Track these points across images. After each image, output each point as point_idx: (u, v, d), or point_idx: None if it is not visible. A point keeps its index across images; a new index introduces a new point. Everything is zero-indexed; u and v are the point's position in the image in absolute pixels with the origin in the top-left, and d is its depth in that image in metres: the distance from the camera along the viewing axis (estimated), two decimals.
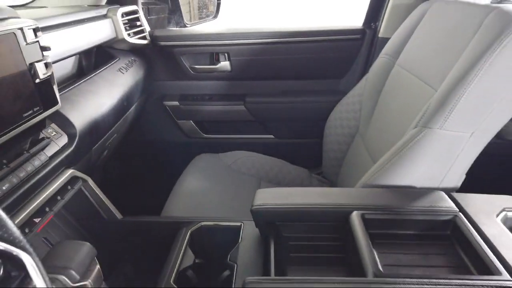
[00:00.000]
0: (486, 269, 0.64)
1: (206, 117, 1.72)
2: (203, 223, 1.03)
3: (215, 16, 1.98)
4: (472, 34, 0.87)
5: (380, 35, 1.51)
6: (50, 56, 0.88)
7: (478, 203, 0.83)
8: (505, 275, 0.62)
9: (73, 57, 1.28)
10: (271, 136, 1.73)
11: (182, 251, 0.93)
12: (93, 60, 1.40)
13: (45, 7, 1.36)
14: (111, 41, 1.39)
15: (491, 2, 0.96)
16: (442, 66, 0.92)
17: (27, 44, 0.79)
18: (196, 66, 1.64)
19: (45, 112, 0.84)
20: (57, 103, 0.89)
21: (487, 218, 0.78)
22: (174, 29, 1.78)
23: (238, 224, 1.00)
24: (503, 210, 0.80)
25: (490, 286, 0.60)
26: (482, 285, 0.60)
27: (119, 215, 1.11)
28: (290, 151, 1.69)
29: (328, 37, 1.55)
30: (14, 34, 0.76)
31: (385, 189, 0.86)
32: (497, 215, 0.79)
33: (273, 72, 1.64)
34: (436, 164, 0.86)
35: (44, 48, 0.85)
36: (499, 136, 1.02)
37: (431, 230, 0.78)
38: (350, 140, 1.32)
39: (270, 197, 0.84)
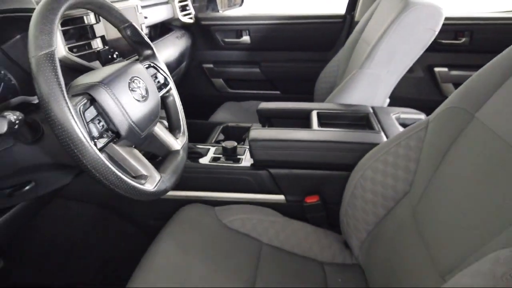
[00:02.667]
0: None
1: (231, 76, 2.31)
2: None
3: (241, 5, 2.55)
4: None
5: (356, 19, 2.06)
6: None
7: (386, 110, 1.38)
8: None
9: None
10: (278, 92, 2.31)
11: None
12: (158, 31, 2.00)
13: None
14: (170, 19, 1.99)
15: None
16: None
17: (138, 14, 1.39)
18: (226, 39, 2.23)
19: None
20: None
21: (387, 115, 1.33)
22: (211, 13, 2.37)
23: None
24: (398, 112, 1.36)
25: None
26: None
27: None
28: None
29: (320, 20, 2.12)
30: (134, 8, 1.36)
31: None
32: (393, 115, 1.34)
33: (280, 45, 2.21)
34: None
35: (145, 17, 1.45)
36: None
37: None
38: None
39: None
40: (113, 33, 1.21)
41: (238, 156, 1.23)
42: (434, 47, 1.93)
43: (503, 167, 0.60)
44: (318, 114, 1.33)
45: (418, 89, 2.10)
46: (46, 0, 0.64)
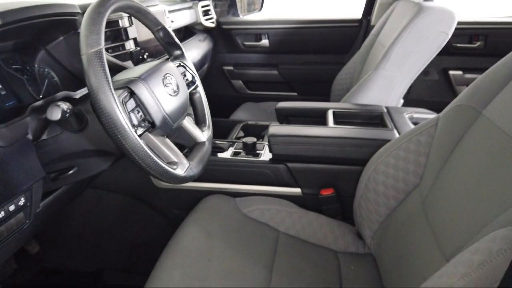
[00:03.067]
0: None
1: (250, 78, 2.38)
2: None
3: (260, 10, 2.63)
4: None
5: (372, 23, 2.11)
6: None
7: (400, 110, 1.43)
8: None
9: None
10: (295, 93, 2.38)
11: None
12: (182, 34, 2.10)
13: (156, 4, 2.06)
14: (194, 23, 2.09)
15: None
16: None
17: (165, 18, 1.48)
18: (246, 43, 2.31)
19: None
20: None
21: (400, 114, 1.38)
22: (232, 17, 2.46)
23: None
24: (411, 112, 1.40)
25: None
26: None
27: None
28: None
29: (337, 24, 2.18)
30: (162, 12, 1.45)
31: None
32: (407, 114, 1.39)
33: (298, 48, 2.28)
34: None
35: (171, 21, 1.54)
36: None
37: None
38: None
39: None
40: (143, 36, 1.30)
41: (257, 151, 1.30)
42: (449, 51, 1.97)
43: (506, 159, 0.65)
44: (333, 113, 1.39)
45: (433, 91, 2.14)
46: (94, 5, 0.72)
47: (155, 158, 0.73)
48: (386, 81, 1.47)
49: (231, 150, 1.31)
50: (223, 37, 2.32)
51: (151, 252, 0.97)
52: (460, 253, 0.61)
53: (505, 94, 0.73)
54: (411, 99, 2.12)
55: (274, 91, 2.39)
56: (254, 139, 1.32)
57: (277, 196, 1.24)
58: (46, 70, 1.01)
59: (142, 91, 0.76)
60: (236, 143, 1.35)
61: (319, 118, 1.42)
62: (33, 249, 1.41)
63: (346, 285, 0.98)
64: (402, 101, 1.58)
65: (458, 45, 2.00)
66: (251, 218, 1.15)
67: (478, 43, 1.99)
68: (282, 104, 1.51)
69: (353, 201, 1.11)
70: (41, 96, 0.94)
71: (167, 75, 0.86)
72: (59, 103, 0.71)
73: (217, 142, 1.35)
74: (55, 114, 0.69)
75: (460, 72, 2.06)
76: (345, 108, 1.43)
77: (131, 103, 0.75)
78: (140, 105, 0.76)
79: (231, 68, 2.37)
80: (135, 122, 0.74)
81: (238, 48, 2.33)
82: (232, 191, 1.26)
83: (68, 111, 0.72)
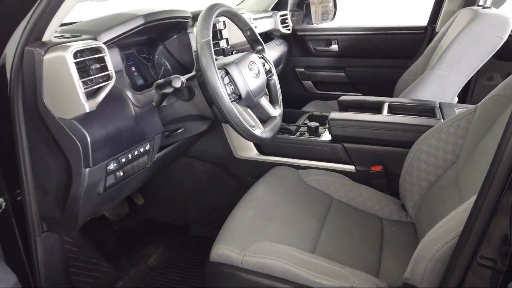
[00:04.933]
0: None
1: (319, 79, 2.58)
2: None
3: (332, 19, 2.82)
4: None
5: (436, 30, 2.19)
6: None
7: (451, 105, 1.53)
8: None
9: None
10: (360, 94, 2.52)
11: None
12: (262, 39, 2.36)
13: (244, 12, 2.36)
14: (272, 30, 2.34)
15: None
16: None
17: (251, 23, 1.74)
18: (317, 48, 2.52)
19: None
20: None
21: (451, 109, 1.48)
22: (306, 25, 2.68)
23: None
24: (463, 107, 1.49)
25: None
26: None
27: None
28: None
29: (402, 31, 2.29)
30: (249, 18, 1.71)
31: None
32: (457, 109, 1.48)
33: (365, 52, 2.42)
34: None
35: (255, 27, 1.80)
36: None
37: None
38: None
39: None
40: (233, 38, 1.57)
41: (319, 133, 1.50)
42: None
43: None
44: (389, 105, 1.54)
45: None
46: (206, 10, 1.00)
47: (241, 119, 0.97)
48: (441, 79, 1.58)
49: (297, 132, 1.53)
50: (297, 42, 2.55)
51: (228, 210, 1.21)
52: None
53: None
54: (474, 101, 2.16)
55: (340, 91, 2.55)
56: (317, 124, 1.52)
57: (333, 171, 1.42)
58: (163, 60, 1.33)
59: (234, 71, 1.02)
60: (301, 127, 1.57)
61: (376, 110, 1.58)
62: (139, 201, 1.75)
63: (386, 243, 1.14)
64: (456, 99, 1.67)
65: None
66: (311, 186, 1.36)
67: None
68: (344, 97, 1.69)
69: (398, 178, 1.25)
70: (159, 78, 1.25)
71: (252, 62, 1.11)
72: (179, 76, 0.99)
73: (286, 125, 1.57)
74: (177, 82, 0.97)
75: None
76: (400, 101, 1.56)
77: (226, 79, 1.01)
78: (232, 81, 1.02)
79: (302, 69, 2.59)
80: (229, 92, 1.00)
81: (310, 52, 2.54)
82: (296, 164, 1.47)
83: (184, 82, 0.99)
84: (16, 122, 0.83)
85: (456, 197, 0.96)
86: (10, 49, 0.78)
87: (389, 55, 2.38)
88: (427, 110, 1.51)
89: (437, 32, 2.15)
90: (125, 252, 1.59)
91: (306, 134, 1.51)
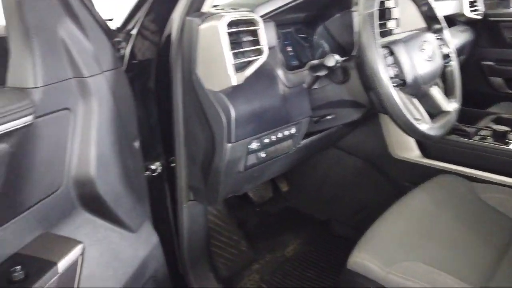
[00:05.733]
0: None
1: None
2: None
3: None
4: None
5: None
6: None
7: None
8: None
9: None
10: None
11: None
12: None
13: None
14: (455, 14, 1.96)
15: None
16: None
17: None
18: None
19: None
20: None
21: None
22: (502, 9, 2.16)
23: None
24: None
25: None
26: None
27: None
28: None
29: None
30: None
31: None
32: None
33: None
34: None
35: None
36: None
37: None
38: None
39: None
40: (405, 22, 1.34)
41: (507, 141, 1.16)
42: None
43: None
44: None
45: None
46: None
47: (403, 109, 0.79)
48: None
49: (476, 135, 1.22)
50: (487, 30, 2.08)
51: (376, 214, 1.03)
52: None
53: None
54: None
55: None
56: (507, 128, 1.17)
57: None
58: (321, 41, 1.22)
59: (401, 50, 0.84)
60: (483, 130, 1.24)
61: None
62: (284, 187, 1.72)
63: None
64: None
65: None
66: (489, 205, 1.05)
67: None
68: None
69: None
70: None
71: (425, 42, 0.90)
72: (334, 54, 0.87)
73: (461, 125, 1.27)
74: (331, 61, 0.86)
75: None
76: None
77: (389, 60, 0.84)
78: (397, 62, 0.84)
79: (491, 63, 2.10)
80: (391, 75, 0.82)
81: (504, 42, 2.03)
82: (469, 175, 1.17)
83: (338, 62, 0.87)
84: (174, 92, 0.86)
85: None
86: (176, 18, 0.81)
87: None
88: None
89: None
90: (264, 236, 1.58)
91: (489, 140, 1.18)
